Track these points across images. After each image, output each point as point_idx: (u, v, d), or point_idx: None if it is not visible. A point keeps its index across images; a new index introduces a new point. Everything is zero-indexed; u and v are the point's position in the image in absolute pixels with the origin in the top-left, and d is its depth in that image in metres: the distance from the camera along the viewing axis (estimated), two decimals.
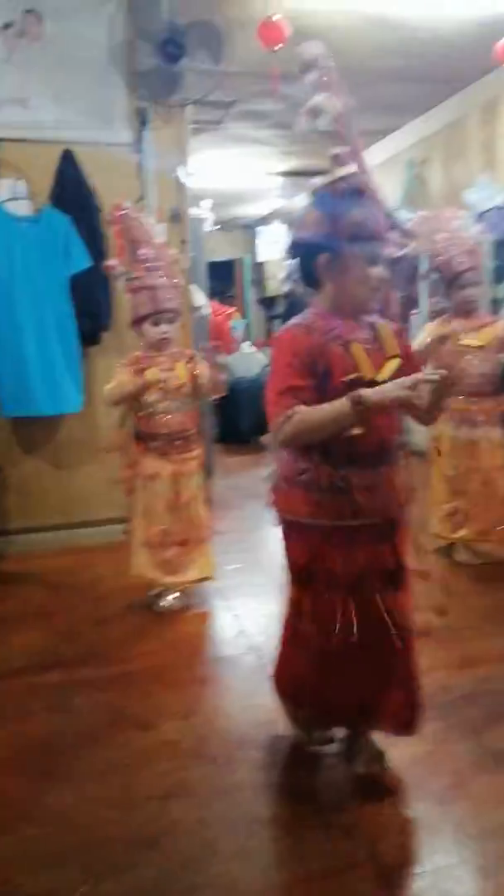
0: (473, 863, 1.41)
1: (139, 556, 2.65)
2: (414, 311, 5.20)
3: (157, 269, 2.50)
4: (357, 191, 1.44)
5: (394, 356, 1.50)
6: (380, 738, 1.70)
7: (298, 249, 1.53)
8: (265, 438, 1.47)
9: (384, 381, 1.43)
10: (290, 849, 1.48)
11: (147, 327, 2.52)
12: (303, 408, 1.41)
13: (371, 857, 1.43)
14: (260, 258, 10.01)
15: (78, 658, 2.34)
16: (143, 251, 2.50)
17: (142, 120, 3.39)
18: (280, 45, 3.44)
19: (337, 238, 1.42)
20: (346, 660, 1.54)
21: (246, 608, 2.68)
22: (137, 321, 2.55)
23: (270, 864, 1.43)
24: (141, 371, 2.51)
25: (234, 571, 2.98)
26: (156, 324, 2.51)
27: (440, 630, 2.38)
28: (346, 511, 1.49)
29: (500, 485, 2.94)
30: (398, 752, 1.71)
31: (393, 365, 1.48)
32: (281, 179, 7.32)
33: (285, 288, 8.06)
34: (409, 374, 1.44)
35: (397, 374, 1.45)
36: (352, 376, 1.43)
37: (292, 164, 6.87)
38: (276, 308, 9.84)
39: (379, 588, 1.54)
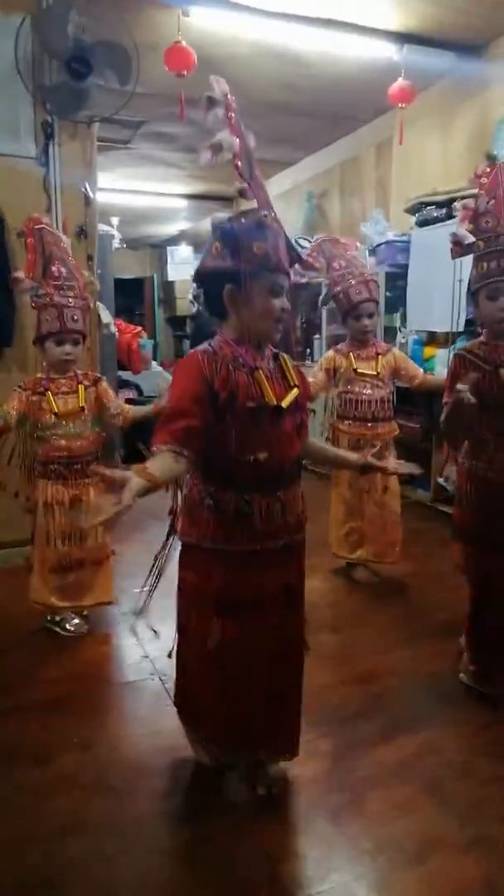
0: (368, 878, 1.45)
1: (37, 581, 2.56)
2: (316, 336, 5.37)
3: (68, 289, 2.45)
4: (260, 224, 1.48)
5: (294, 386, 1.57)
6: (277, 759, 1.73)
7: (204, 279, 1.55)
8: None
9: (286, 408, 1.52)
10: (191, 879, 1.46)
11: (50, 346, 2.46)
12: (161, 454, 1.39)
13: (270, 881, 1.44)
14: (169, 277, 10.04)
15: None
16: (56, 268, 2.44)
17: (48, 134, 3.34)
18: (187, 70, 3.51)
19: (240, 270, 1.45)
20: (243, 683, 1.58)
21: (149, 632, 2.65)
22: (41, 339, 2.48)
23: (171, 894, 1.41)
24: (40, 395, 2.45)
25: (138, 595, 2.93)
26: (60, 343, 2.45)
27: (336, 647, 2.46)
28: (248, 535, 1.53)
29: (392, 507, 3.07)
30: (296, 770, 1.74)
31: (294, 394, 1.55)
32: (187, 202, 7.39)
33: (193, 309, 8.12)
34: (304, 404, 1.58)
35: (294, 403, 1.54)
36: (255, 402, 1.48)
37: (199, 187, 6.98)
38: (185, 328, 9.88)
39: (278, 610, 1.58)
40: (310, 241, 5.45)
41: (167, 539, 1.63)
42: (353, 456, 1.80)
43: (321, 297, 3.51)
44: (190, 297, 8.39)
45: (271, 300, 1.50)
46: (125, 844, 1.54)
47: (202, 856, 1.52)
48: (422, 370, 3.16)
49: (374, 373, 2.99)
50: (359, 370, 2.99)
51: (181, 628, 1.67)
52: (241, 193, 1.49)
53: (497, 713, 2.03)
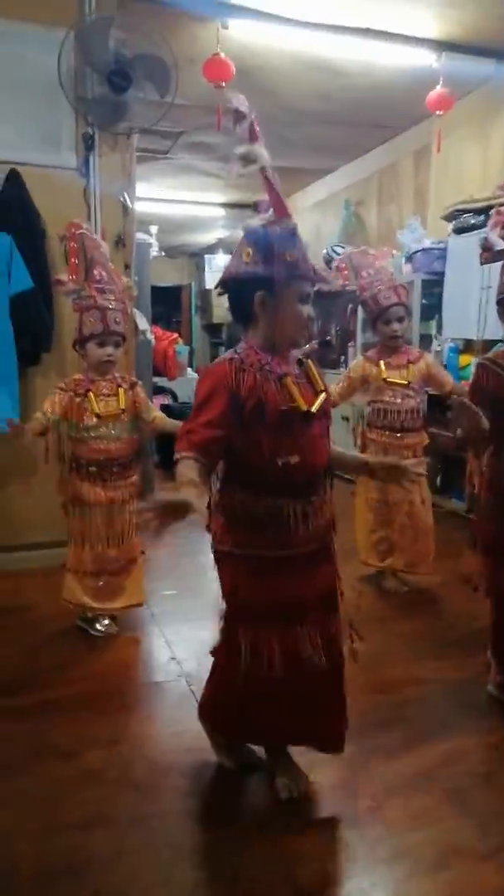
0: (387, 884, 1.45)
1: (71, 581, 2.63)
2: (350, 343, 5.37)
3: (109, 292, 2.50)
4: (292, 232, 1.51)
5: (321, 391, 1.58)
6: (301, 763, 1.74)
7: (232, 286, 1.57)
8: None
9: (315, 413, 1.54)
10: (211, 876, 1.48)
11: (92, 347, 2.50)
12: (187, 461, 1.42)
13: (289, 881, 1.45)
14: (207, 285, 10.14)
15: (3, 686, 2.29)
16: (98, 271, 2.50)
17: (88, 145, 3.43)
18: (226, 81, 3.57)
19: (273, 277, 1.47)
20: (276, 690, 1.59)
21: (178, 634, 2.68)
22: (83, 340, 2.52)
23: (190, 891, 1.43)
24: (81, 396, 2.51)
25: (169, 597, 2.98)
26: (102, 345, 2.50)
27: (362, 655, 2.46)
28: (282, 540, 1.54)
29: (424, 518, 3.04)
30: (318, 776, 1.75)
31: (322, 399, 1.57)
32: (224, 210, 7.47)
33: (230, 317, 8.18)
34: (328, 409, 1.60)
35: (322, 408, 1.56)
36: (284, 408, 1.49)
37: (236, 196, 7.04)
38: (221, 335, 9.96)
39: (314, 615, 1.60)
40: (345, 249, 5.49)
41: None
42: (362, 456, 1.77)
43: (349, 307, 3.50)
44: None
45: (300, 307, 1.53)
46: (146, 839, 1.57)
47: (221, 855, 1.54)
48: (451, 378, 3.13)
49: (405, 382, 2.95)
50: (388, 379, 2.96)
51: (222, 636, 1.66)
52: (256, 207, 1.52)
53: None
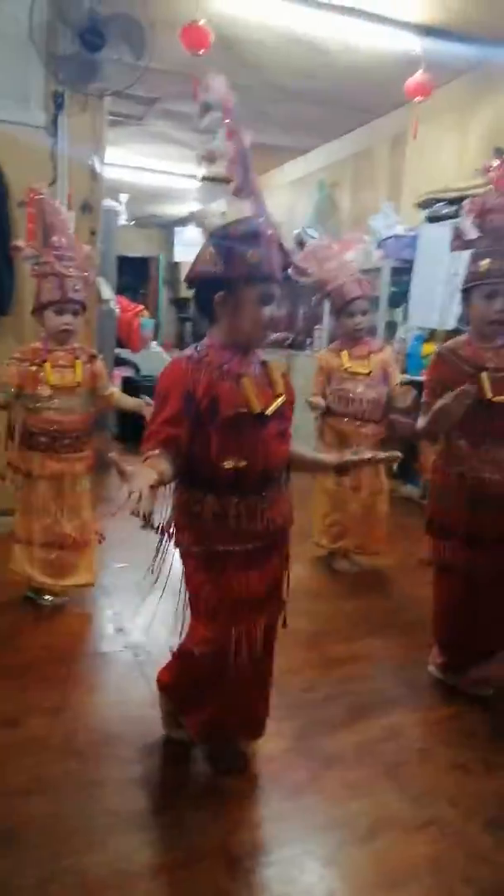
0: (318, 852, 1.49)
1: (19, 551, 2.59)
2: (317, 327, 5.39)
3: (68, 259, 2.44)
4: (255, 233, 1.48)
5: (280, 394, 1.58)
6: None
7: (196, 283, 1.56)
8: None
9: (270, 415, 1.53)
10: (145, 843, 1.50)
11: (50, 315, 2.45)
12: (153, 459, 1.42)
13: (222, 850, 1.47)
14: (176, 258, 9.99)
15: None
16: (57, 238, 2.44)
17: (58, 104, 3.33)
18: (203, 49, 3.49)
19: (232, 279, 1.46)
20: (238, 677, 1.60)
21: (127, 606, 2.68)
22: (40, 308, 2.46)
23: (123, 857, 1.44)
24: (37, 366, 2.46)
25: (119, 570, 2.97)
26: (60, 313, 2.44)
27: (310, 633, 2.50)
28: (232, 537, 1.55)
29: (379, 508, 3.09)
30: (259, 749, 1.78)
31: (279, 402, 1.56)
32: (198, 183, 7.35)
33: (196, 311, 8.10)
34: (289, 411, 1.60)
35: (279, 410, 1.56)
36: (240, 409, 1.49)
37: (211, 168, 6.92)
38: (188, 309, 9.85)
39: (266, 605, 1.63)
40: (317, 232, 5.47)
41: (159, 545, 1.64)
42: (329, 458, 1.76)
43: (314, 297, 3.51)
44: None
45: (261, 309, 1.51)
46: (85, 805, 1.58)
47: (157, 822, 1.56)
48: (397, 379, 3.12)
49: (367, 371, 2.99)
50: (350, 369, 3.01)
51: (191, 619, 1.66)
52: (236, 193, 1.50)
53: (461, 705, 2.07)
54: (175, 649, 1.74)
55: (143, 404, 2.52)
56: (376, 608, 2.79)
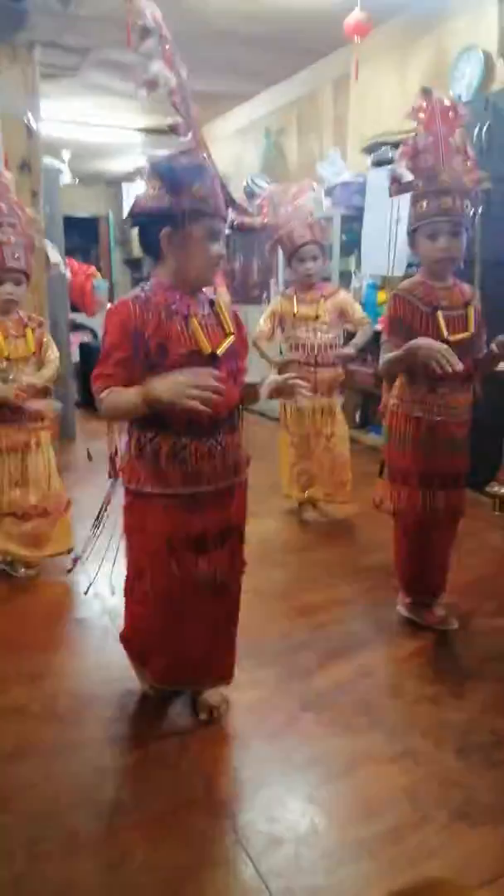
0: (299, 790, 1.56)
1: None
2: (272, 279, 5.33)
3: (8, 226, 2.36)
4: (200, 166, 1.45)
5: (230, 334, 1.56)
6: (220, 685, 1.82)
7: (140, 220, 1.51)
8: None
9: (220, 356, 1.51)
10: (132, 795, 1.55)
11: None
12: (115, 390, 1.47)
13: (207, 794, 1.53)
14: (126, 216, 9.72)
15: None
16: None
17: None
18: None
19: (179, 213, 1.42)
20: (189, 620, 1.65)
21: (101, 572, 2.69)
22: None
23: (112, 811, 1.49)
24: None
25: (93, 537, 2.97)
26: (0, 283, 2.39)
27: (281, 582, 2.56)
28: (186, 479, 1.55)
29: (340, 450, 3.13)
30: (237, 696, 1.83)
31: (228, 341, 1.55)
32: (143, 136, 7.11)
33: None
34: (240, 351, 1.59)
35: (230, 350, 1.54)
36: (188, 349, 1.47)
37: (156, 120, 6.70)
38: (142, 269, 9.64)
39: (219, 548, 1.64)
40: (266, 182, 5.38)
41: (110, 486, 1.65)
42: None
43: (266, 245, 3.47)
44: None
45: (209, 245, 1.49)
46: (70, 766, 1.62)
47: (143, 775, 1.60)
48: (366, 317, 3.15)
49: (315, 315, 2.98)
50: (299, 314, 2.99)
51: (130, 569, 1.71)
52: (174, 129, 1.45)
53: (428, 641, 2.15)
54: (125, 598, 1.77)
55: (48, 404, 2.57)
56: (345, 555, 2.86)
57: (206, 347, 1.49)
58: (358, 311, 3.10)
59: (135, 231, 1.59)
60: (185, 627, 1.66)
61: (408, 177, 1.92)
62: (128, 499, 1.64)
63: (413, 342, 1.87)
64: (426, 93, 1.92)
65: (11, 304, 2.44)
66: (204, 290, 1.59)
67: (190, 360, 1.47)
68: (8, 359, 2.41)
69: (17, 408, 2.45)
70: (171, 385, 1.40)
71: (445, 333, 1.93)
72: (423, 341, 1.85)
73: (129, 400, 1.46)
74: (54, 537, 2.66)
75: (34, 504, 2.57)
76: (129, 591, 1.75)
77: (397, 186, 1.96)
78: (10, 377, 2.43)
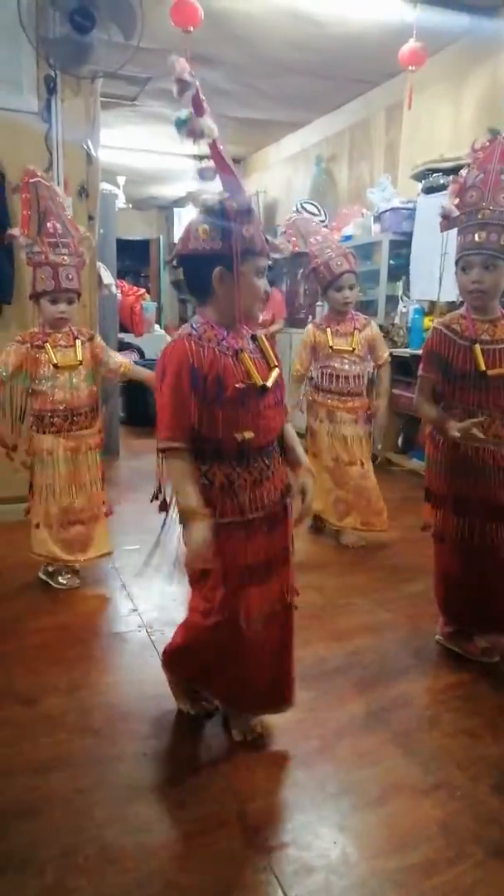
0: (331, 818, 1.53)
1: (40, 534, 2.63)
2: (318, 304, 5.37)
3: (63, 246, 2.45)
4: (249, 208, 1.51)
5: (275, 366, 1.62)
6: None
7: (189, 261, 1.56)
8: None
9: (270, 387, 1.58)
10: (164, 813, 1.55)
11: (45, 304, 2.49)
12: (180, 464, 1.54)
13: (239, 818, 1.52)
14: (176, 239, 9.93)
15: None
16: (51, 224, 2.45)
17: (50, 88, 3.31)
18: (193, 26, 3.45)
19: (232, 253, 1.47)
20: (256, 647, 1.65)
21: (140, 588, 2.73)
22: (36, 296, 2.50)
23: (143, 827, 1.49)
24: (38, 347, 2.49)
25: (132, 552, 3.02)
26: (54, 302, 2.48)
27: (319, 606, 2.54)
28: (240, 507, 1.59)
29: (369, 477, 3.15)
30: (272, 720, 1.82)
31: (276, 373, 1.61)
32: (194, 162, 7.28)
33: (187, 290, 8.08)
34: (282, 380, 1.65)
35: (276, 381, 1.61)
36: (242, 382, 1.53)
37: (207, 148, 6.86)
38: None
39: (279, 572, 1.66)
40: (316, 206, 5.44)
41: (164, 520, 1.68)
42: (302, 459, 1.74)
43: (301, 272, 3.55)
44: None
45: (257, 281, 1.55)
46: (103, 780, 1.63)
47: (174, 792, 1.60)
48: (387, 353, 3.19)
49: (350, 349, 3.05)
50: (335, 347, 3.05)
51: (193, 601, 1.72)
52: (201, 174, 1.51)
53: (468, 672, 2.10)
54: (183, 625, 1.78)
55: (154, 375, 2.56)
56: (383, 580, 2.83)
57: (258, 380, 1.55)
58: (385, 349, 3.18)
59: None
60: (250, 651, 1.67)
61: (455, 212, 1.94)
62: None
63: (448, 427, 1.93)
64: (493, 133, 1.94)
65: (63, 321, 2.53)
66: (245, 327, 1.63)
67: (243, 393, 1.53)
68: (56, 367, 2.50)
69: (68, 416, 2.55)
70: (200, 545, 1.51)
71: (483, 367, 1.93)
72: (453, 430, 1.90)
73: (180, 490, 1.54)
74: (96, 540, 2.73)
75: (80, 509, 2.64)
76: (190, 625, 1.75)
77: (445, 222, 1.99)
78: (58, 384, 2.52)
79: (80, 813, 1.53)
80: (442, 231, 2.05)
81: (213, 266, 1.50)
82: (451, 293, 3.81)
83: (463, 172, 1.98)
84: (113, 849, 1.43)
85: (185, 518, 1.54)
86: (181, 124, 1.47)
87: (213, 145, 1.47)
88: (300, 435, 1.75)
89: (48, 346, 2.50)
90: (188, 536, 1.53)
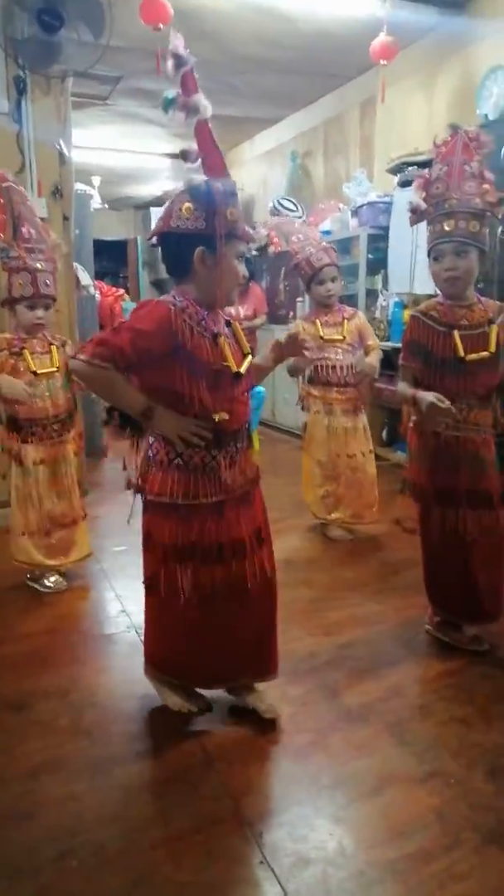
0: (327, 810, 1.53)
1: (22, 542, 2.62)
2: (299, 299, 5.37)
3: (39, 252, 2.43)
4: (234, 191, 1.51)
5: (247, 353, 1.64)
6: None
7: (172, 239, 1.54)
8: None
9: (243, 374, 1.60)
10: (158, 812, 1.54)
11: (22, 310, 2.46)
12: (118, 376, 1.51)
13: (234, 813, 1.52)
14: (151, 234, 9.88)
15: None
16: (26, 229, 2.42)
17: (20, 89, 3.28)
18: (163, 24, 3.43)
19: (216, 234, 1.47)
20: (225, 622, 1.69)
21: (128, 588, 2.71)
22: (11, 302, 2.47)
23: (138, 827, 1.48)
24: (15, 354, 2.47)
25: (119, 553, 3.00)
26: (32, 308, 2.45)
27: (309, 600, 2.55)
28: (216, 488, 1.62)
29: (367, 469, 3.14)
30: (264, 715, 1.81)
31: (248, 360, 1.63)
32: (170, 161, 7.25)
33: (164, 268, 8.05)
34: (251, 370, 1.66)
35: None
36: (218, 366, 1.54)
37: (182, 146, 6.82)
38: (168, 289, 9.75)
39: (251, 551, 1.69)
40: (293, 203, 5.44)
41: (134, 499, 1.70)
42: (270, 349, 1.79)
43: (284, 269, 3.58)
44: None
45: (238, 266, 1.56)
46: (97, 782, 1.62)
47: (170, 791, 1.59)
48: (376, 341, 3.20)
49: (341, 337, 3.05)
50: (326, 337, 3.05)
51: (152, 583, 1.73)
52: (185, 156, 1.50)
53: (458, 661, 2.11)
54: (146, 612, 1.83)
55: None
56: (372, 573, 2.83)
57: (234, 365, 1.57)
58: (374, 337, 3.19)
59: (157, 249, 1.63)
60: (222, 634, 1.71)
61: (423, 206, 1.96)
62: (153, 513, 1.67)
63: (420, 398, 1.93)
64: (453, 128, 1.96)
65: (40, 327, 2.52)
66: (220, 310, 1.65)
67: (218, 376, 1.54)
68: (35, 374, 2.48)
69: (47, 423, 2.54)
70: (177, 424, 1.55)
71: (462, 353, 1.94)
72: (424, 401, 1.91)
73: (129, 398, 1.54)
74: (77, 543, 2.74)
75: (63, 513, 2.65)
76: (153, 607, 1.79)
77: (414, 217, 2.01)
78: (38, 392, 2.50)
79: (74, 815, 1.51)
80: (412, 225, 2.08)
81: (195, 246, 1.50)
82: (426, 285, 3.85)
83: (424, 171, 2.01)
84: (108, 850, 1.42)
85: (145, 417, 1.56)
86: (169, 103, 1.46)
87: (203, 124, 1.47)
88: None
89: (26, 352, 2.47)
90: (161, 428, 1.56)
